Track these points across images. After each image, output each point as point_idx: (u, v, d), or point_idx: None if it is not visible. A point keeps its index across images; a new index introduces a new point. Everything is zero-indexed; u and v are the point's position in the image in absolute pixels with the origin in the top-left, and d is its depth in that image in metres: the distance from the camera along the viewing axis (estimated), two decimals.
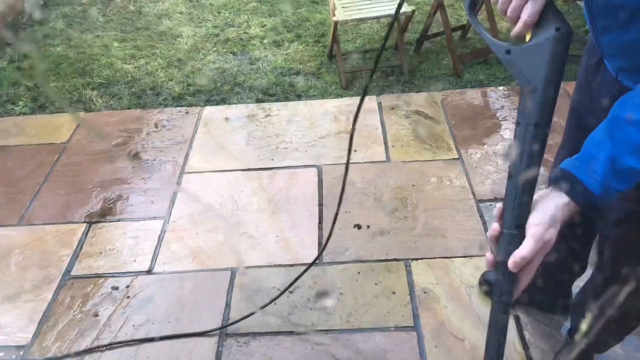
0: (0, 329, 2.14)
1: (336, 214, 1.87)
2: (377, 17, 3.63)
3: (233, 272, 2.32)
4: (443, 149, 2.88)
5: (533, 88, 0.89)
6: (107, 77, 3.84)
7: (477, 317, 2.07)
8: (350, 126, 3.11)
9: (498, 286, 0.94)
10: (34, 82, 3.85)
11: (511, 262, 0.90)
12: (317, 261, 2.29)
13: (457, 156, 2.83)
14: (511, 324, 2.05)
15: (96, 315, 2.17)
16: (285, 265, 2.34)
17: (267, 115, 3.28)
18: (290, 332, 2.07)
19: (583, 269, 1.91)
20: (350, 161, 2.83)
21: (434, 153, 2.86)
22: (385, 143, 2.95)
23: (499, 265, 0.92)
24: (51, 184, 2.85)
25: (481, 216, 2.48)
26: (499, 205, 0.95)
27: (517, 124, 0.91)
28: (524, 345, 1.98)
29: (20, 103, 3.63)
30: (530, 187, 0.92)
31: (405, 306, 2.14)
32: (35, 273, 2.36)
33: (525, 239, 0.90)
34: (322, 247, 2.37)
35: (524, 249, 0.89)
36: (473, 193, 2.60)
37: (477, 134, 2.98)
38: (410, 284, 2.22)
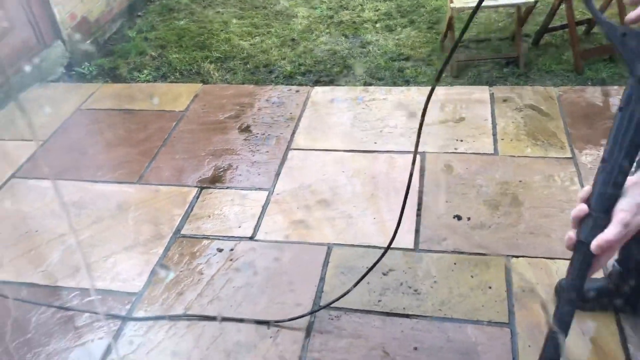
0: (117, 276, 2.35)
1: (403, 205, 1.85)
2: (497, 6, 3.51)
3: (329, 248, 2.38)
4: (555, 147, 2.77)
5: None
6: (225, 52, 4.03)
7: (575, 320, 1.99)
8: (458, 116, 3.06)
9: (573, 267, 0.93)
10: (158, 52, 4.11)
11: (595, 245, 0.88)
12: (390, 247, 2.29)
13: (570, 155, 2.70)
14: (613, 332, 1.96)
15: (201, 273, 2.32)
16: (380, 247, 2.36)
17: (373, 99, 3.30)
18: (381, 313, 2.10)
19: None
20: (456, 151, 2.80)
21: (545, 150, 2.75)
22: (494, 135, 2.88)
23: (581, 245, 0.91)
24: (168, 149, 3.06)
25: None
26: (587, 187, 0.93)
27: (620, 109, 0.88)
28: (627, 358, 1.88)
29: (145, 71, 3.90)
30: (624, 173, 0.89)
31: (500, 302, 2.10)
32: (149, 228, 2.56)
33: (612, 223, 0.88)
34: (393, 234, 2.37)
35: (610, 233, 0.88)
36: None
37: (594, 134, 2.83)
38: (508, 281, 2.17)
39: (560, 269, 2.18)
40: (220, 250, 2.41)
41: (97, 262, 2.41)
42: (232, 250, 2.41)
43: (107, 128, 3.28)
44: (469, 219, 2.44)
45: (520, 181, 2.59)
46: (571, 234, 0.93)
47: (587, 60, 3.50)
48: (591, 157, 2.69)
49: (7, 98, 3.59)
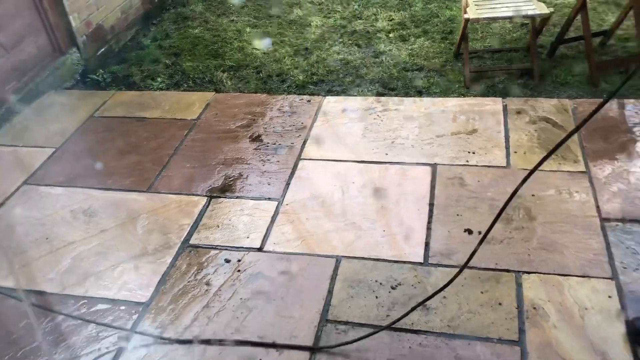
0: (124, 285, 2.35)
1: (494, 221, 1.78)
2: (510, 17, 3.48)
3: (338, 260, 2.36)
4: (569, 160, 2.72)
5: None
6: (238, 61, 4.03)
7: (589, 342, 1.95)
8: (471, 127, 3.03)
9: None
10: (172, 60, 4.13)
11: None
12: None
13: (584, 169, 2.66)
14: None
15: (208, 284, 2.31)
16: (389, 261, 2.34)
17: (385, 109, 3.28)
18: (388, 328, 2.07)
19: None
20: (467, 163, 2.77)
21: (559, 163, 2.71)
22: (507, 148, 2.85)
23: None
24: (179, 157, 3.06)
25: (605, 236, 2.32)
26: None
27: None
28: None
29: (159, 79, 3.91)
30: None
31: (511, 319, 2.06)
32: (158, 237, 2.55)
33: None
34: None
35: None
36: (599, 210, 2.44)
37: (610, 148, 2.78)
38: (519, 298, 2.13)
39: (572, 286, 2.13)
40: (228, 260, 2.40)
41: (104, 271, 2.41)
42: (240, 261, 2.39)
43: (119, 136, 3.29)
44: (480, 233, 2.41)
45: (533, 195, 2.55)
46: None
47: (603, 73, 3.45)
48: (606, 171, 2.64)
49: (23, 104, 3.63)
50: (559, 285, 2.15)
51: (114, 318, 2.21)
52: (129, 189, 2.87)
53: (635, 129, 2.91)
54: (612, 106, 3.12)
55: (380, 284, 2.24)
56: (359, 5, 4.68)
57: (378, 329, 2.02)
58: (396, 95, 3.48)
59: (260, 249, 2.44)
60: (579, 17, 3.40)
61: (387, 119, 3.19)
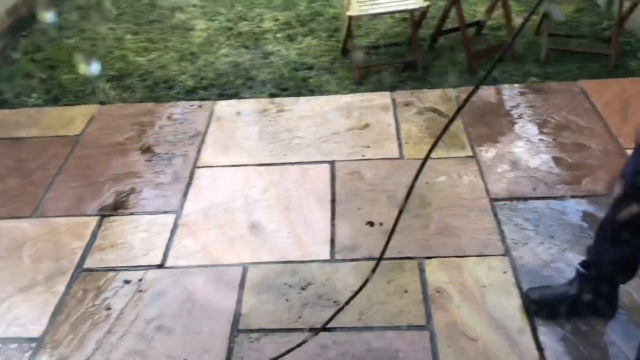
0: (14, 321, 2.15)
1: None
2: (392, 12, 3.60)
3: (245, 268, 2.32)
4: (457, 147, 2.86)
5: None
6: (120, 70, 3.84)
7: (490, 317, 2.05)
8: (364, 122, 3.09)
9: None
10: (48, 74, 3.85)
11: None
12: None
13: (471, 154, 2.81)
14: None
15: (108, 308, 2.17)
16: (297, 262, 2.33)
17: (279, 110, 3.27)
18: (302, 329, 2.06)
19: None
20: (364, 157, 2.82)
21: (447, 150, 2.83)
22: (399, 140, 2.94)
23: None
24: (64, 176, 2.86)
25: (495, 215, 2.46)
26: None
27: None
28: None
29: (34, 95, 3.64)
30: None
31: (417, 305, 2.12)
32: (48, 265, 2.37)
33: None
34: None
35: None
36: (487, 192, 2.58)
37: (492, 132, 2.96)
38: (423, 283, 2.20)
39: (471, 266, 2.24)
40: (127, 281, 2.28)
41: None
42: (140, 280, 2.28)
43: None
44: (381, 224, 2.47)
45: (426, 183, 2.65)
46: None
47: (480, 61, 3.66)
48: (491, 154, 2.80)
49: None
50: (459, 267, 2.25)
51: (4, 358, 2.02)
52: (10, 216, 2.64)
53: (512, 112, 3.11)
54: (490, 92, 3.32)
55: (290, 286, 2.22)
56: (243, 7, 4.63)
57: (305, 338, 1.99)
58: (289, 95, 3.48)
59: (161, 266, 2.34)
60: (454, 9, 3.58)
61: (283, 120, 3.18)
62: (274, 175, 2.78)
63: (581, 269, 1.98)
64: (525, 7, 4.31)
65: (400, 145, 2.90)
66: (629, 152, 2.69)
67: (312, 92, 3.53)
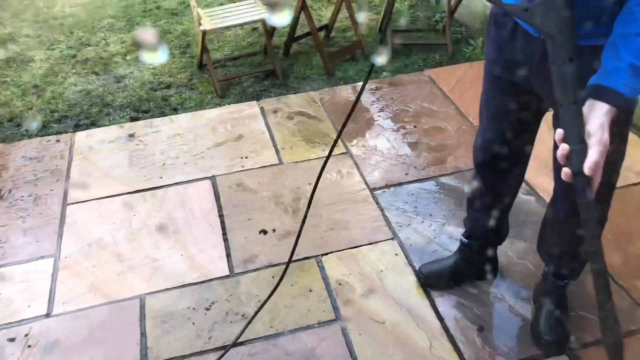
0: None
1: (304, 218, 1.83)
2: (245, 24, 3.64)
3: (142, 300, 2.21)
4: (330, 145, 2.96)
5: (553, 34, 1.08)
6: None
7: (391, 298, 2.17)
8: (237, 134, 3.09)
9: (581, 199, 1.08)
10: None
11: (587, 169, 1.07)
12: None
13: (345, 150, 2.93)
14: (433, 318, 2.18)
15: None
16: (196, 283, 2.27)
17: (145, 133, 3.15)
18: (215, 349, 2.02)
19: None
20: (244, 168, 2.83)
21: (322, 150, 2.93)
22: (275, 146, 2.98)
23: (576, 176, 1.09)
24: None
25: (377, 203, 2.60)
26: (559, 130, 1.10)
27: (552, 63, 1.10)
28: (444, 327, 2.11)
29: None
30: (578, 107, 1.09)
31: (324, 301, 2.18)
32: None
33: (591, 147, 1.08)
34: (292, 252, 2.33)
35: (595, 155, 1.07)
36: (366, 183, 2.72)
37: (359, 127, 3.11)
38: (325, 279, 2.26)
39: (365, 255, 2.35)
40: (12, 339, 2.06)
41: None
42: (27, 335, 2.07)
43: None
44: (274, 230, 2.49)
45: (309, 184, 2.72)
46: (566, 169, 1.10)
47: (334, 62, 3.83)
48: (362, 148, 2.95)
49: None
50: (354, 257, 2.35)
51: None
52: None
53: (373, 106, 3.30)
54: (349, 91, 3.49)
55: (194, 309, 2.17)
56: (83, 32, 4.39)
57: (218, 357, 1.95)
58: (152, 117, 3.37)
59: (48, 315, 2.15)
60: (304, 15, 3.71)
61: (151, 142, 3.07)
62: (154, 200, 2.68)
63: (464, 239, 2.17)
64: (366, 7, 4.59)
65: (277, 151, 2.94)
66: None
67: (175, 111, 3.45)
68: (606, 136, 1.12)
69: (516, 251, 2.32)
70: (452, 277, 2.21)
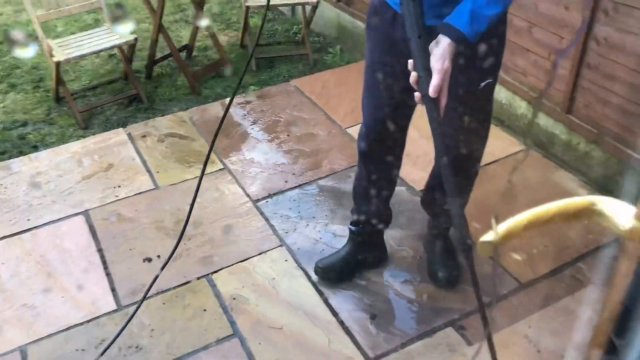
0: None
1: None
2: (100, 51, 3.52)
3: (23, 350, 2.06)
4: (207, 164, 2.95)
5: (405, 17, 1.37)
6: None
7: (287, 303, 2.21)
8: (106, 164, 2.98)
9: (429, 114, 1.35)
10: None
11: (431, 92, 1.36)
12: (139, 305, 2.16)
13: (222, 166, 2.93)
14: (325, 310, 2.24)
15: None
16: (82, 323, 2.16)
17: (4, 177, 2.93)
18: None
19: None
20: (118, 198, 2.74)
21: (199, 169, 2.91)
22: (149, 171, 2.91)
23: (426, 98, 1.37)
24: None
25: (262, 214, 2.63)
26: (410, 60, 1.38)
27: (408, 39, 1.36)
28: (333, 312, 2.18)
29: None
30: (424, 42, 1.36)
31: (219, 318, 2.17)
32: None
33: (433, 74, 1.38)
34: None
35: (436, 79, 1.37)
36: (248, 195, 2.74)
37: (234, 142, 3.13)
38: (218, 296, 2.25)
39: (256, 265, 2.37)
40: None
41: None
42: None
43: None
44: (159, 256, 2.43)
45: (189, 204, 2.68)
46: (417, 94, 1.40)
47: (200, 81, 3.81)
48: (239, 161, 2.97)
49: None
50: (245, 269, 2.36)
51: None
52: None
53: (243, 121, 3.33)
54: (218, 108, 3.50)
55: (83, 350, 2.06)
56: None
57: None
58: (10, 157, 3.14)
59: None
60: (162, 37, 3.66)
61: (12, 185, 2.86)
62: (23, 245, 2.50)
63: (352, 228, 2.27)
64: (224, 25, 4.63)
65: (152, 176, 2.87)
66: (349, 130, 3.17)
67: (35, 149, 3.25)
68: (447, 64, 1.41)
69: (395, 239, 2.47)
70: (348, 266, 2.31)
